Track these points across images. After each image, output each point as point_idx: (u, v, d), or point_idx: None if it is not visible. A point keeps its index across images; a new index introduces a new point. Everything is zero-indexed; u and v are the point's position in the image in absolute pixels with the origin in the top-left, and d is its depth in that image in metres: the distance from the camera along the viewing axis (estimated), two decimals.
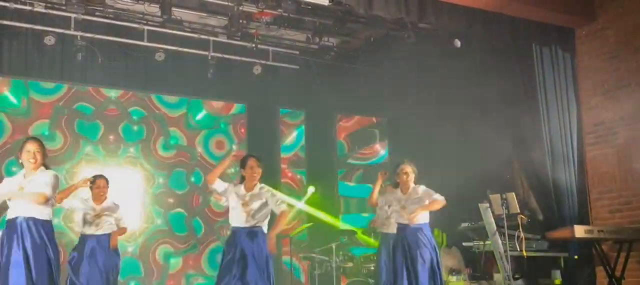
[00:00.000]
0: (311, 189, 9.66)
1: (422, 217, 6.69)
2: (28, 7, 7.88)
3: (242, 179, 6.15)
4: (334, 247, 8.38)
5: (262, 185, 6.14)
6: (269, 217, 6.10)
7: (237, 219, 6.00)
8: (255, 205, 5.99)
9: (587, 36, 8.29)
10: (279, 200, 6.08)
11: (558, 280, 7.85)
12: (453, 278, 8.25)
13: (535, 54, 8.31)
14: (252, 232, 5.94)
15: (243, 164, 6.16)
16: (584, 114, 8.26)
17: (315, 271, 8.52)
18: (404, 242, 6.65)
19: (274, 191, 6.20)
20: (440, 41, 8.51)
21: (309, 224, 9.43)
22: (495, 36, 8.10)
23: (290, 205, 6.44)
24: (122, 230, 7.26)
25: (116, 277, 7.09)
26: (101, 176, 7.14)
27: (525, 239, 7.34)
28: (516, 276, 7.62)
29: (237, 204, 6.01)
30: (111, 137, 10.13)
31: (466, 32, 8.11)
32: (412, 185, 6.84)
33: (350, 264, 8.64)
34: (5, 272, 5.04)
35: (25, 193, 5.20)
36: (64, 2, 7.91)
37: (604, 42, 8.11)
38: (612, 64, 8.00)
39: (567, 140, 8.18)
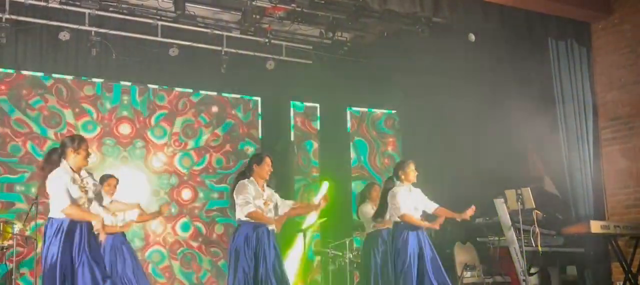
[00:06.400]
0: (325, 184, 9.64)
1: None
2: (43, 3, 7.91)
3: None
4: (347, 242, 8.35)
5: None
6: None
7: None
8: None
9: (603, 30, 8.20)
10: None
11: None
12: (467, 273, 8.21)
13: (551, 48, 8.24)
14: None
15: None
16: (600, 109, 8.18)
17: (329, 267, 8.51)
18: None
19: None
20: (455, 35, 8.45)
21: (322, 219, 9.39)
22: (510, 30, 8.04)
23: None
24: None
25: None
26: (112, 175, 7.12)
27: (541, 234, 7.29)
28: (531, 271, 7.57)
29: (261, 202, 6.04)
30: None
31: (481, 26, 8.05)
32: None
33: None
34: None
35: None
36: None
37: (620, 36, 8.03)
38: (628, 59, 7.92)
39: (583, 135, 8.11)
